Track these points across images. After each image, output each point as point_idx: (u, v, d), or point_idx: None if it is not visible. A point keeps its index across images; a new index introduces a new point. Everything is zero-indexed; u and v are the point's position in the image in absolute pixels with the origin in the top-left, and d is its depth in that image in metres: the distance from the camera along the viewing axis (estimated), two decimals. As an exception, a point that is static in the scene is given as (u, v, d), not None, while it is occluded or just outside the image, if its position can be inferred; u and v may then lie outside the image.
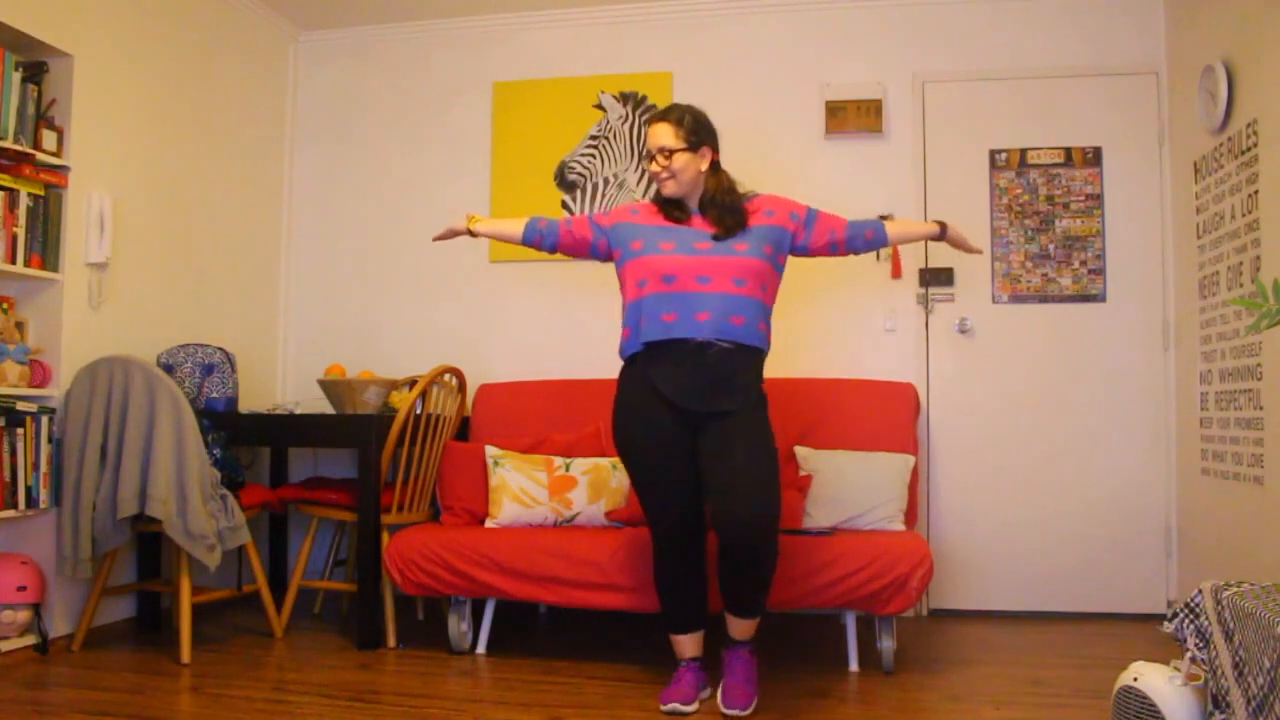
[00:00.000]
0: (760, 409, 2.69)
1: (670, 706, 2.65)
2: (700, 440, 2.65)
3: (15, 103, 3.18)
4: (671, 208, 2.75)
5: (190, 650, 3.16)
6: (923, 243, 4.04)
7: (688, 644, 2.78)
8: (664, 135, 2.70)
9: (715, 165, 2.77)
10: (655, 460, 2.68)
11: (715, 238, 2.68)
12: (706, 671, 2.79)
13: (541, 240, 2.89)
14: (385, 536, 3.43)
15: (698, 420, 2.64)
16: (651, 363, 2.67)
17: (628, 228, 2.77)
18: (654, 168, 2.70)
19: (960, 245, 2.93)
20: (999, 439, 3.98)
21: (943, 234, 2.89)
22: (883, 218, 4.01)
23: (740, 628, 2.72)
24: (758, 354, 2.69)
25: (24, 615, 3.15)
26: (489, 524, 3.48)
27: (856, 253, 2.87)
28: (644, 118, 4.27)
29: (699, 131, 2.72)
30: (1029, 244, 4.01)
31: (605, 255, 2.85)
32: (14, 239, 3.18)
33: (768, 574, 2.66)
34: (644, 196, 4.28)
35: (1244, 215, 3.20)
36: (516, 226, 2.92)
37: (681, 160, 2.69)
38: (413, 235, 4.49)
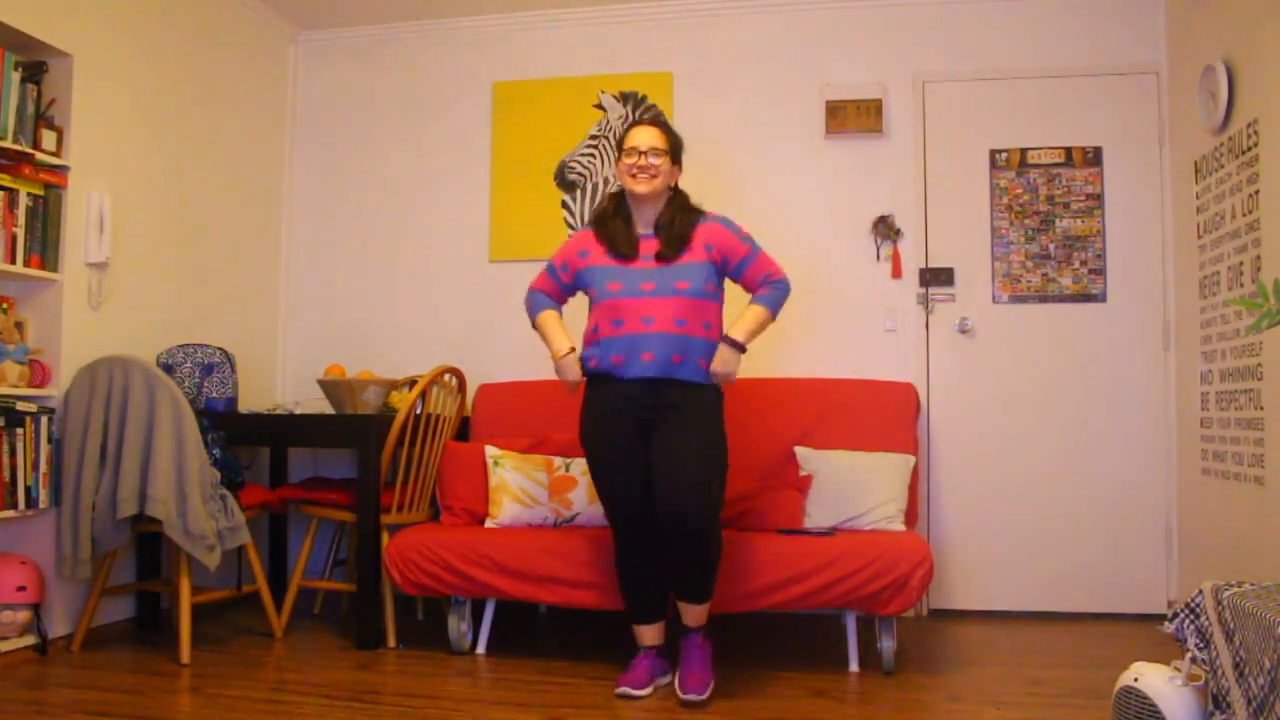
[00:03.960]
0: (706, 409, 2.82)
1: (622, 690, 2.81)
2: (650, 439, 2.80)
3: (15, 102, 3.17)
4: (619, 240, 2.83)
5: (190, 650, 3.16)
6: (923, 242, 4.05)
7: (647, 633, 2.93)
8: (654, 137, 2.85)
9: (676, 187, 2.93)
10: (612, 459, 2.84)
11: (659, 256, 2.81)
12: (664, 659, 2.94)
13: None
14: (385, 536, 3.43)
15: (650, 423, 2.80)
16: (608, 382, 2.84)
17: (585, 274, 2.90)
18: (640, 161, 2.81)
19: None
20: (999, 439, 3.98)
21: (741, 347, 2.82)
22: (882, 218, 4.07)
23: (691, 614, 2.86)
24: (697, 388, 2.81)
25: (23, 615, 3.15)
26: (489, 524, 3.48)
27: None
28: (641, 114, 4.26)
29: (677, 149, 2.91)
30: (1029, 244, 4.01)
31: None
32: (13, 239, 3.17)
33: (712, 560, 2.80)
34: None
35: (1244, 215, 3.20)
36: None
37: (664, 163, 2.83)
38: (413, 235, 4.49)
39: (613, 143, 4.30)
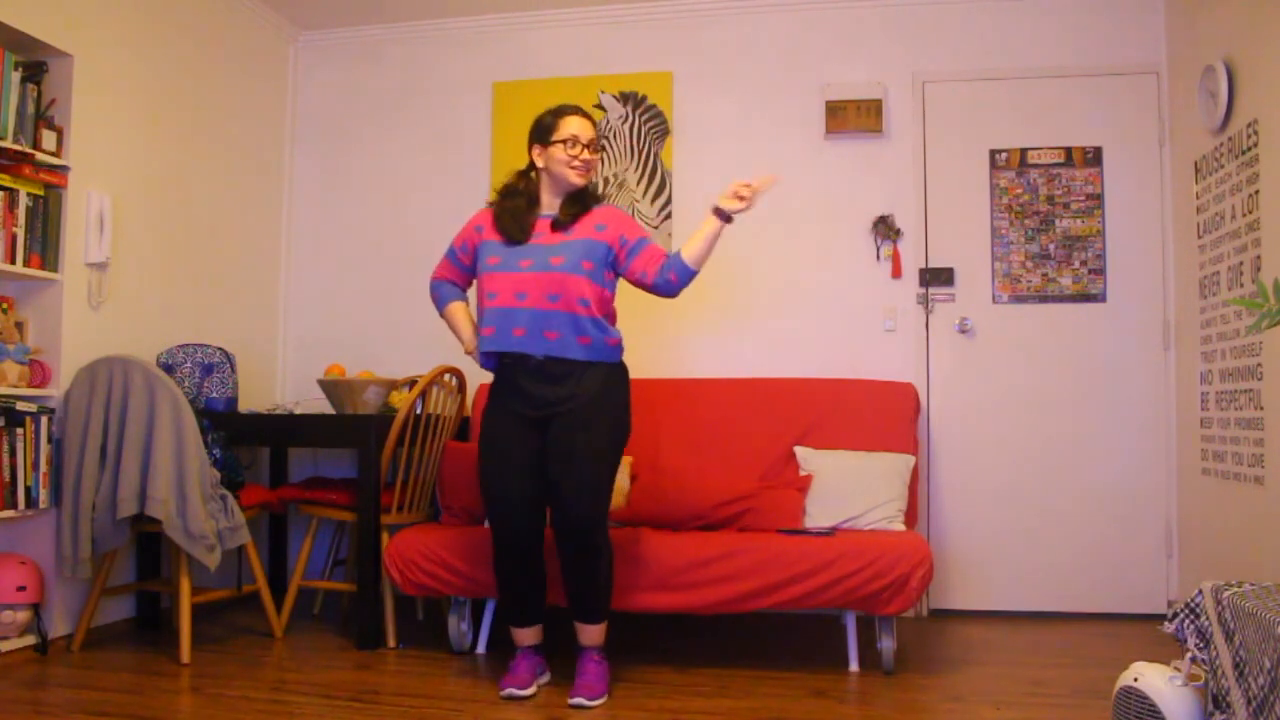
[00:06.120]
0: (599, 415, 2.76)
1: (507, 692, 2.79)
2: (545, 443, 2.78)
3: (15, 102, 3.17)
4: (510, 224, 2.81)
5: (190, 650, 3.16)
6: (923, 242, 4.05)
7: (524, 635, 2.92)
8: (591, 129, 2.85)
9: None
10: (500, 464, 2.81)
11: (553, 225, 2.80)
12: (542, 657, 2.93)
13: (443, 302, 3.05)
14: (385, 536, 3.43)
15: (542, 424, 2.78)
16: (502, 372, 2.84)
17: (478, 249, 2.89)
18: (582, 154, 2.79)
19: (750, 196, 2.72)
20: (999, 439, 3.98)
21: (727, 217, 2.74)
22: (882, 218, 4.07)
23: (587, 634, 2.86)
24: (582, 365, 2.76)
25: (24, 615, 3.15)
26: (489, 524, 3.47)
27: (670, 294, 2.81)
28: (643, 118, 4.27)
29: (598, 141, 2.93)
30: (1029, 244, 4.01)
31: None
32: (13, 239, 3.17)
33: (601, 575, 2.80)
34: (650, 200, 4.28)
35: (1244, 215, 3.20)
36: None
37: (597, 159, 2.87)
38: (412, 235, 4.49)
39: (614, 143, 4.30)
